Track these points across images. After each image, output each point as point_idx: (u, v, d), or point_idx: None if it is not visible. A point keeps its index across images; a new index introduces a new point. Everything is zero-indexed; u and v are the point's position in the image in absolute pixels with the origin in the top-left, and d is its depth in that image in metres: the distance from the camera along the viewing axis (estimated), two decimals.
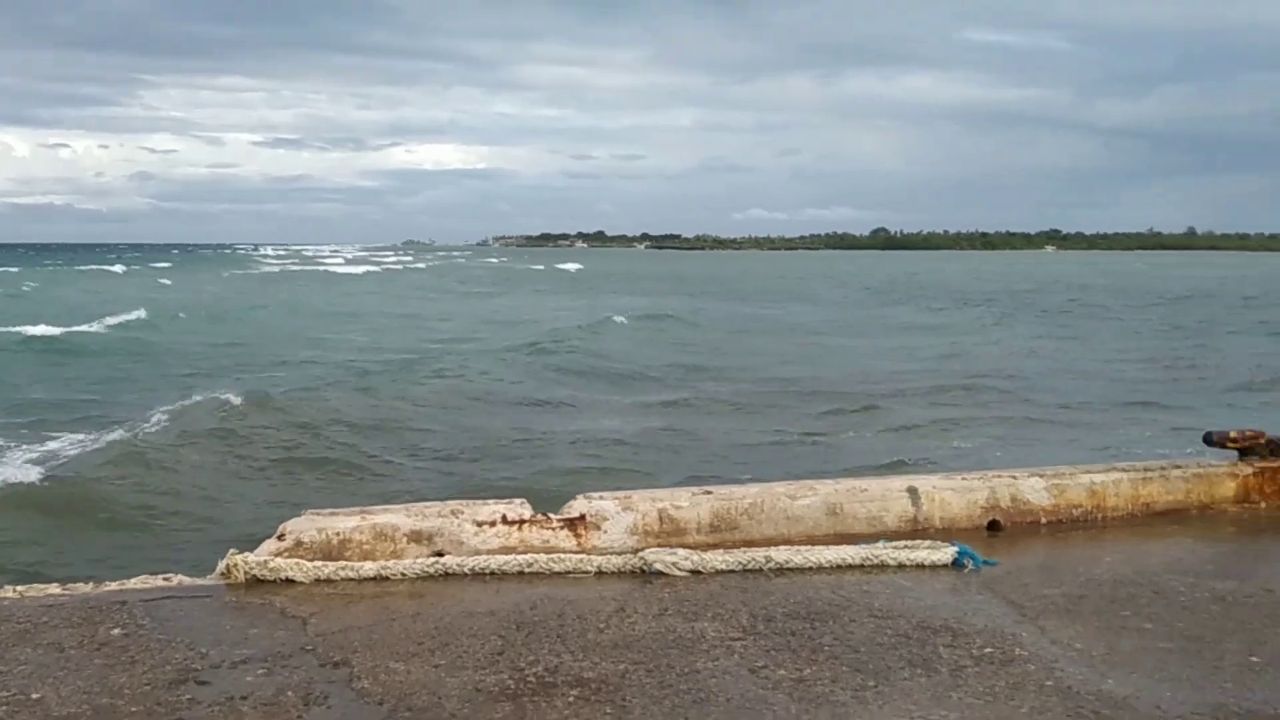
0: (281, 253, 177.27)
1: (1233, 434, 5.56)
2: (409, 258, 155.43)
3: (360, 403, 18.82)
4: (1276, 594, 4.16)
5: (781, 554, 4.41)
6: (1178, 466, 5.50)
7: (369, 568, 4.21)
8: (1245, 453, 5.59)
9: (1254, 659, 3.50)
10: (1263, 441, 5.58)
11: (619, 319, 38.67)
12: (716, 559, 4.34)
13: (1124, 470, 5.38)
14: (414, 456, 15.12)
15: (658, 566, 4.26)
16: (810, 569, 4.37)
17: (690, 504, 4.74)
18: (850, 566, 4.40)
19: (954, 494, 5.04)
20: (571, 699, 3.13)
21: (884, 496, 4.97)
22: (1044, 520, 5.12)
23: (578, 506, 4.63)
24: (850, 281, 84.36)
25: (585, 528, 4.57)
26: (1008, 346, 32.92)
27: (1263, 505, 5.48)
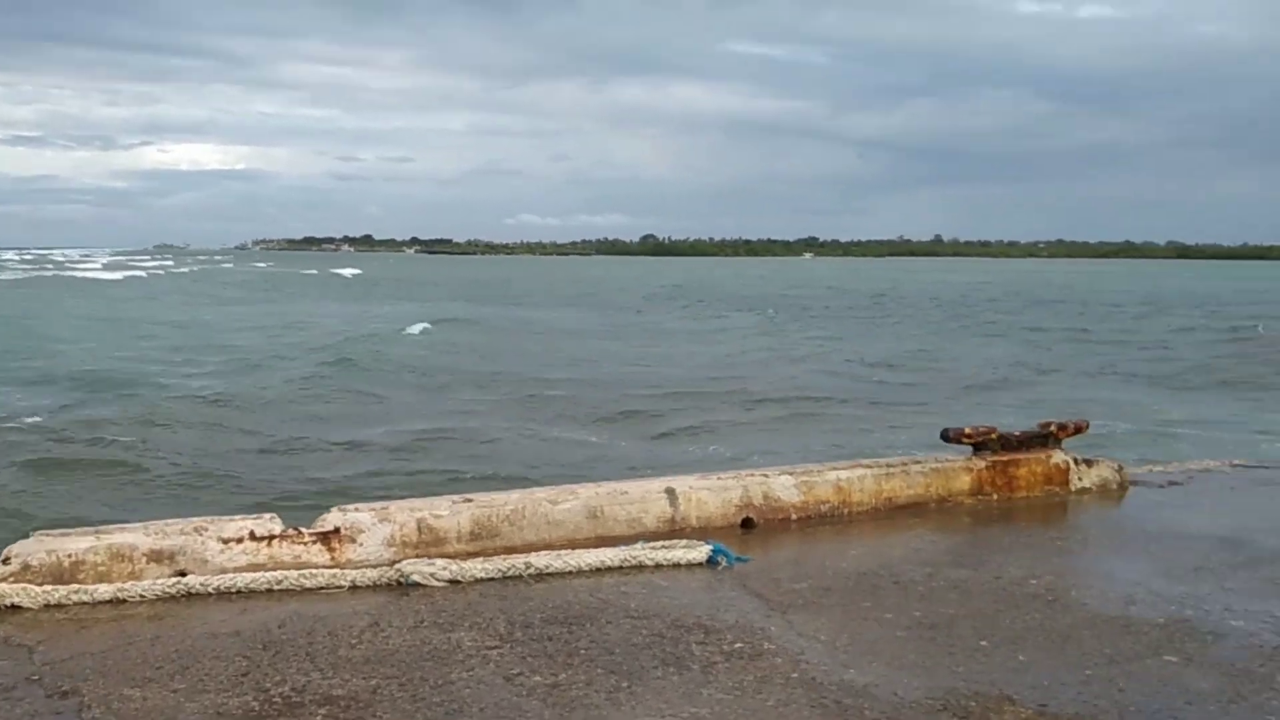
0: (27, 258, 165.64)
1: (967, 430, 5.89)
2: (170, 262, 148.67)
3: (120, 416, 17.87)
4: (1004, 580, 4.43)
5: (542, 559, 4.41)
6: (918, 462, 5.79)
7: (104, 590, 3.98)
8: (979, 448, 5.93)
9: (983, 643, 3.71)
10: (994, 437, 5.94)
11: (413, 327, 38.07)
12: (476, 567, 4.30)
13: (868, 467, 5.63)
14: (169, 472, 14.43)
15: (415, 578, 4.18)
16: (570, 573, 4.39)
17: (450, 512, 4.68)
18: (609, 569, 4.44)
19: (710, 493, 5.16)
20: (319, 718, 3.04)
21: (643, 498, 5.04)
22: (794, 516, 5.30)
23: (331, 520, 4.50)
24: (628, 287, 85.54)
25: (340, 541, 4.44)
26: (775, 350, 34.08)
27: (995, 497, 5.84)
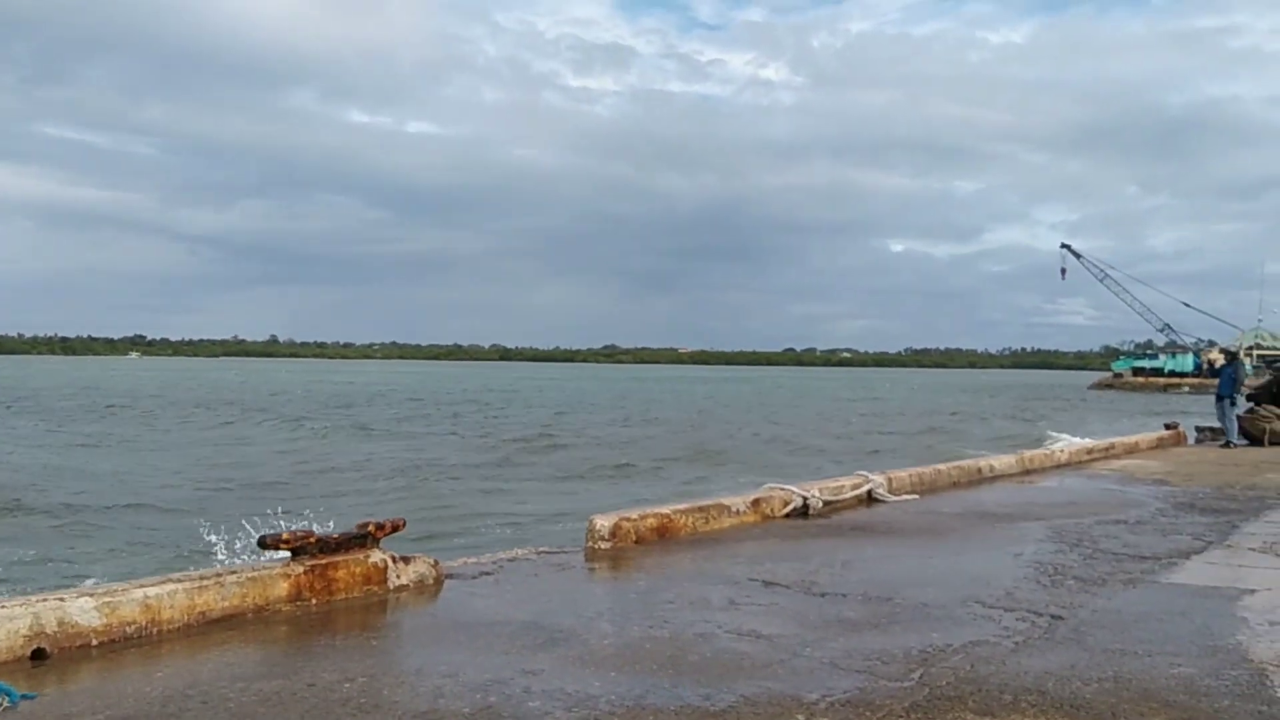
0: None
1: (285, 535, 5.80)
2: None
3: None
4: (318, 687, 4.38)
5: None
6: (233, 572, 5.58)
7: None
8: (297, 552, 5.86)
9: None
10: (313, 541, 5.90)
11: None
12: None
13: (179, 581, 5.32)
14: None
15: None
16: None
17: None
18: None
19: None
20: None
21: None
22: (96, 642, 4.85)
23: None
24: None
25: None
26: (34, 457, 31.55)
27: (314, 602, 5.78)
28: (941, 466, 13.00)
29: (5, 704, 4.02)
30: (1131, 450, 18.24)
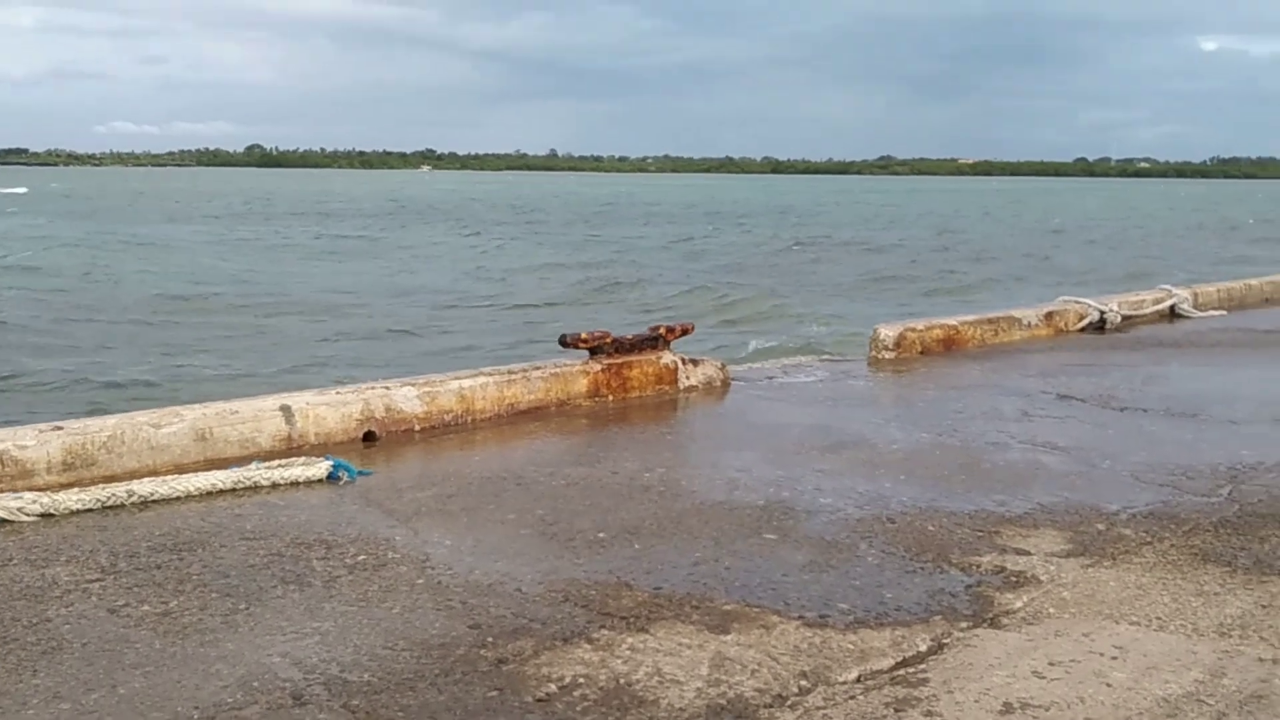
0: None
1: (583, 335, 6.06)
2: None
3: None
4: (620, 475, 4.61)
5: (146, 486, 4.14)
6: (538, 368, 5.90)
7: None
8: (595, 352, 6.12)
9: (602, 535, 3.85)
10: (609, 341, 6.14)
11: None
12: (70, 499, 3.98)
13: (490, 374, 5.67)
14: None
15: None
16: (178, 498, 4.16)
17: (38, 442, 4.29)
18: (222, 491, 4.25)
19: (328, 408, 5.02)
20: None
21: (256, 417, 4.84)
22: (418, 427, 5.27)
23: None
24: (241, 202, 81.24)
25: None
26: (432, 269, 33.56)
27: (610, 398, 6.06)
28: (1253, 281, 12.12)
29: (345, 479, 4.45)
30: None
